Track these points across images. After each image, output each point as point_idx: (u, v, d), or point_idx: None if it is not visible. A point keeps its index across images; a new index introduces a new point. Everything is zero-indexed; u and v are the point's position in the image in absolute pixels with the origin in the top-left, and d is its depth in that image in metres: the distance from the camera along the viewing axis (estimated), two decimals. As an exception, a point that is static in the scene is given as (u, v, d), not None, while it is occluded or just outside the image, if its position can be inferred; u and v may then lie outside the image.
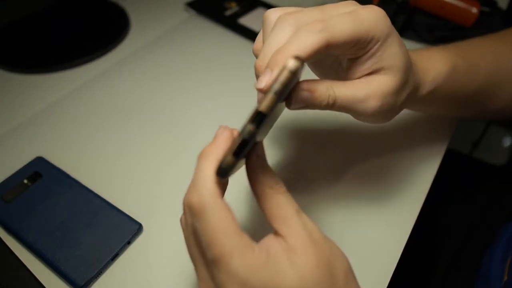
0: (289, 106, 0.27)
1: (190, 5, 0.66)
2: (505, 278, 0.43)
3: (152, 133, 0.47)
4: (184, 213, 0.25)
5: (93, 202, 0.39)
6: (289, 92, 0.25)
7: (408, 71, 0.30)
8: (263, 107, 0.21)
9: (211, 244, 0.22)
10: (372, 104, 0.29)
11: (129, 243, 0.37)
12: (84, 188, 0.40)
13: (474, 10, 0.61)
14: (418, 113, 0.49)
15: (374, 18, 0.27)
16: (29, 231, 0.37)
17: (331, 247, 0.24)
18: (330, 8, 0.28)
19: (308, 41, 0.25)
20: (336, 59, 0.33)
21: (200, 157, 0.24)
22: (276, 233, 0.24)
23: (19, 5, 0.59)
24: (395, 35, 0.29)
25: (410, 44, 0.60)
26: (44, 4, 0.60)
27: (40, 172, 0.41)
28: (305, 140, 0.47)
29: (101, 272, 0.35)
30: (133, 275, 0.35)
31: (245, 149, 0.21)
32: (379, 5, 0.45)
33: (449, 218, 0.57)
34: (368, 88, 0.29)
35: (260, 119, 0.21)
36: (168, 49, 0.59)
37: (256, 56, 0.30)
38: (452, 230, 0.55)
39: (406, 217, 0.40)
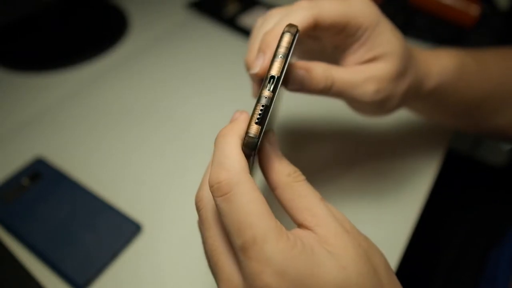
0: (285, 85, 0.27)
1: (193, 5, 0.66)
2: None
3: (151, 133, 0.47)
4: (197, 205, 0.23)
5: (92, 202, 0.39)
6: (286, 72, 0.26)
7: (406, 59, 0.30)
8: (274, 70, 0.21)
9: (241, 226, 0.19)
10: (370, 88, 0.28)
11: (128, 243, 0.37)
12: (83, 189, 0.40)
13: (475, 11, 0.61)
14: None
15: (361, 4, 0.28)
16: (29, 231, 0.36)
17: (366, 239, 0.22)
18: None
19: (297, 19, 0.26)
20: (325, 51, 0.33)
21: (219, 137, 0.21)
22: (300, 226, 0.21)
23: (19, 5, 0.59)
24: (385, 22, 0.29)
25: (411, 45, 0.60)
26: (44, 4, 0.60)
27: (40, 173, 0.41)
28: (304, 140, 0.46)
29: (101, 272, 0.35)
30: (132, 274, 0.35)
31: (266, 117, 0.21)
32: (381, 5, 0.45)
33: (451, 218, 0.57)
34: (365, 72, 0.28)
35: (274, 83, 0.21)
36: (168, 49, 0.59)
37: (248, 68, 0.30)
38: (454, 230, 0.55)
39: (406, 217, 0.40)
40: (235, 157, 0.20)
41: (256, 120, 0.20)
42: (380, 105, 0.30)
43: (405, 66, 0.30)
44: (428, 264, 0.53)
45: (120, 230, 0.37)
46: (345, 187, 0.42)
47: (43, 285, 0.34)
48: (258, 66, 0.25)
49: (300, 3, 0.27)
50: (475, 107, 0.39)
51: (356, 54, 0.29)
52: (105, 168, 0.43)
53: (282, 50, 0.21)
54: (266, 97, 0.21)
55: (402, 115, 0.49)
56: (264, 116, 0.21)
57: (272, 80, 0.21)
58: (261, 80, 0.28)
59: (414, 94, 0.32)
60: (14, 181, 0.40)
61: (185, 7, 0.67)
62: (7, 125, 0.48)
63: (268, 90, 0.21)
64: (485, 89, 0.38)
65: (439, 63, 0.34)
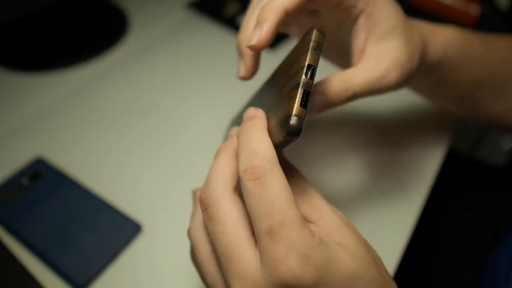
0: (309, 114, 0.26)
1: (193, 5, 0.66)
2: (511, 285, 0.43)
3: (151, 133, 0.47)
4: (206, 201, 0.22)
5: (92, 202, 0.39)
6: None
7: (407, 29, 0.29)
8: (311, 60, 0.21)
9: (271, 209, 0.19)
10: (393, 76, 0.28)
11: (128, 243, 0.37)
12: (83, 189, 0.40)
13: (475, 11, 0.61)
14: (416, 113, 0.49)
15: None
16: (29, 231, 0.36)
17: (362, 235, 0.23)
18: None
19: None
20: (341, 43, 0.32)
21: (244, 131, 0.22)
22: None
23: (19, 5, 0.59)
24: None
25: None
26: (44, 4, 0.60)
27: (40, 173, 0.41)
28: (304, 138, 0.46)
29: (101, 272, 0.35)
30: (132, 274, 0.35)
31: (308, 101, 0.21)
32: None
33: (452, 218, 0.57)
34: (382, 64, 0.28)
35: (311, 71, 0.21)
36: (168, 49, 0.59)
37: (241, 44, 0.29)
38: (454, 230, 0.55)
39: (406, 217, 0.40)
40: (267, 146, 0.21)
41: (302, 103, 0.21)
42: (406, 83, 0.30)
43: (409, 36, 0.29)
44: (428, 264, 0.53)
45: (120, 230, 0.37)
46: (344, 187, 0.42)
47: (43, 285, 0.34)
48: (256, 38, 0.24)
49: None
50: (475, 90, 0.38)
51: (362, 32, 0.28)
52: (105, 168, 0.43)
53: (315, 44, 0.22)
54: (306, 83, 0.21)
55: (402, 115, 0.49)
56: (307, 100, 0.21)
57: (309, 68, 0.21)
58: (255, 55, 0.28)
59: (421, 64, 0.32)
60: (14, 181, 0.40)
61: (185, 7, 0.67)
62: (7, 125, 0.48)
63: (306, 76, 0.21)
64: (486, 71, 0.37)
65: (445, 34, 0.34)
